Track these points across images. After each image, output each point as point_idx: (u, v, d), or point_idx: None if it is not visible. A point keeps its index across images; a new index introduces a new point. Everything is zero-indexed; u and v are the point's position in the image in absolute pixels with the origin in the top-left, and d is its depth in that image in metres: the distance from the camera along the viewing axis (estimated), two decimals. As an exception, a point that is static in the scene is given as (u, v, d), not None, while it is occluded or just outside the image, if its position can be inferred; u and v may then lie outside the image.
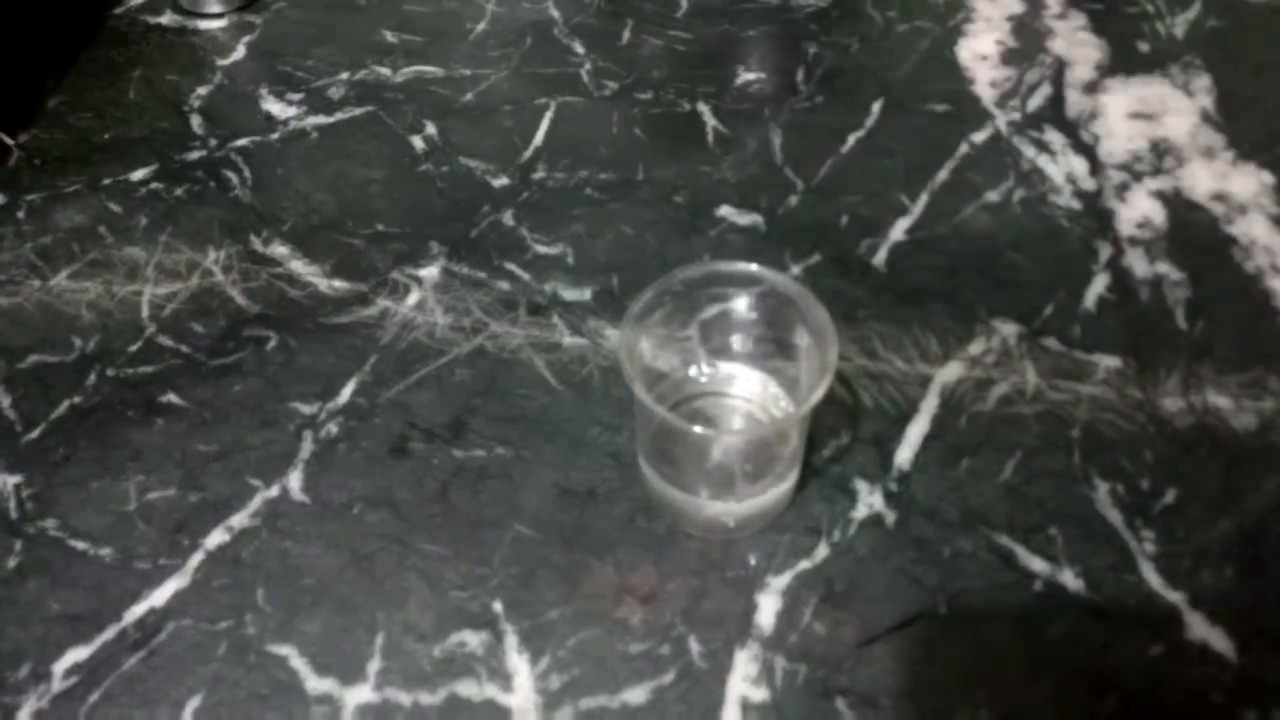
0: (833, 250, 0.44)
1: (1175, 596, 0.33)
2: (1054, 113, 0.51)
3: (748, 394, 0.37)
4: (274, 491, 0.37)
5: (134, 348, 0.42)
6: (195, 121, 0.52)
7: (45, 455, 0.38)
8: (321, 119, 0.52)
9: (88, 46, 0.57)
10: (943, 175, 0.48)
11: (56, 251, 0.46)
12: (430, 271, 0.44)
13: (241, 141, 0.51)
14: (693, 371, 0.37)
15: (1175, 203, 0.46)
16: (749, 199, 0.47)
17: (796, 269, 0.44)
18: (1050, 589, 0.33)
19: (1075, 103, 0.51)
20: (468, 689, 0.32)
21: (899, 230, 0.45)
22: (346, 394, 0.40)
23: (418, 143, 0.51)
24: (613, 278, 0.44)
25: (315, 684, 0.32)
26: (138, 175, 0.50)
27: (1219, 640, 0.32)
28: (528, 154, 0.50)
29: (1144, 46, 0.54)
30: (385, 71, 0.55)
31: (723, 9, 0.58)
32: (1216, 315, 0.41)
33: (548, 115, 0.52)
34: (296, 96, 0.53)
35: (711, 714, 0.31)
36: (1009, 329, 0.41)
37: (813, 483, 0.36)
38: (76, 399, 0.40)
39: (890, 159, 0.49)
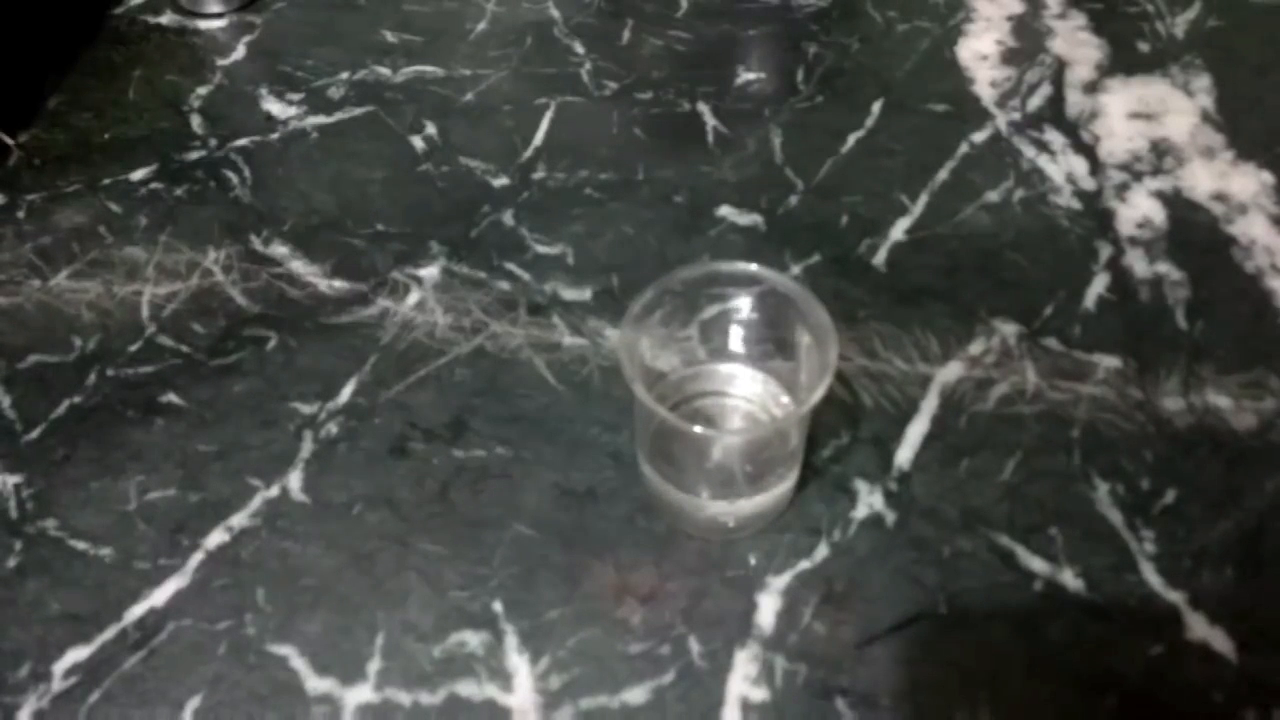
0: (833, 250, 0.44)
1: (1175, 596, 0.33)
2: (1054, 112, 0.51)
3: (748, 394, 0.37)
4: (274, 491, 0.37)
5: (134, 348, 0.42)
6: (195, 121, 0.52)
7: (45, 455, 0.38)
8: (321, 119, 0.52)
9: (88, 46, 0.57)
10: (943, 175, 0.48)
11: (56, 251, 0.46)
12: (430, 271, 0.44)
13: (241, 141, 0.51)
14: (693, 371, 0.37)
15: (1175, 203, 0.46)
16: (749, 199, 0.47)
17: (796, 269, 0.44)
18: (1050, 589, 0.33)
19: (1075, 102, 0.51)
20: (468, 689, 0.32)
21: (899, 230, 0.45)
22: (346, 394, 0.40)
23: (418, 143, 0.51)
24: (613, 278, 0.44)
25: (315, 684, 0.32)
26: (138, 175, 0.49)
27: (1219, 640, 0.32)
28: (528, 154, 0.50)
29: (1144, 46, 0.54)
30: (385, 71, 0.55)
31: (723, 9, 0.58)
32: (1216, 315, 0.41)
33: (548, 115, 0.52)
34: (296, 96, 0.53)
35: (711, 714, 0.31)
36: (1009, 329, 0.41)
37: (813, 483, 0.36)
38: (76, 399, 0.40)
39: (890, 159, 0.49)
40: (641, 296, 0.33)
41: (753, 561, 0.34)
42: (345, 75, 0.54)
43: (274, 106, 0.53)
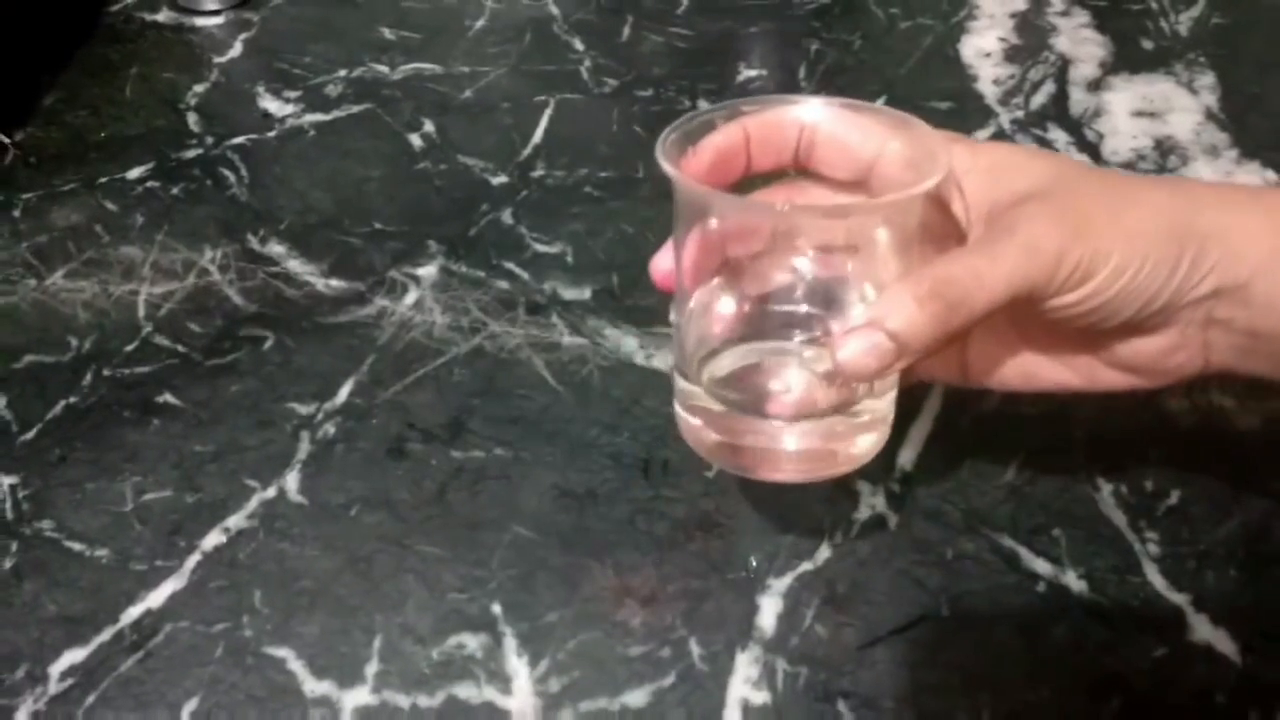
0: (834, 249, 0.44)
1: (1179, 598, 0.33)
2: (1058, 110, 0.50)
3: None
4: (271, 493, 0.37)
5: (130, 347, 0.42)
6: (192, 119, 0.52)
7: (41, 456, 0.38)
8: (319, 116, 0.52)
9: (84, 44, 0.57)
10: (945, 173, 0.47)
11: (52, 251, 0.46)
12: (428, 270, 0.44)
13: (238, 139, 0.51)
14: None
15: (1179, 201, 0.46)
16: (750, 197, 0.47)
17: (797, 268, 0.43)
18: (1053, 591, 0.33)
19: (1079, 100, 0.51)
20: (466, 692, 0.32)
21: (901, 229, 0.45)
22: (344, 394, 0.40)
23: (416, 140, 0.50)
24: (613, 277, 0.43)
25: (313, 686, 0.32)
26: (134, 174, 0.49)
27: (1223, 642, 0.32)
28: (527, 152, 0.49)
29: (1148, 44, 0.54)
30: (383, 69, 0.54)
31: (724, 5, 0.57)
32: (1221, 314, 0.41)
33: (547, 112, 0.51)
34: (294, 94, 0.53)
35: (712, 717, 0.31)
36: (1012, 328, 0.40)
37: (814, 484, 0.36)
38: (72, 399, 0.40)
39: (892, 157, 0.48)
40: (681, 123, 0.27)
41: (754, 563, 0.34)
42: (343, 73, 0.54)
43: (271, 104, 0.53)
